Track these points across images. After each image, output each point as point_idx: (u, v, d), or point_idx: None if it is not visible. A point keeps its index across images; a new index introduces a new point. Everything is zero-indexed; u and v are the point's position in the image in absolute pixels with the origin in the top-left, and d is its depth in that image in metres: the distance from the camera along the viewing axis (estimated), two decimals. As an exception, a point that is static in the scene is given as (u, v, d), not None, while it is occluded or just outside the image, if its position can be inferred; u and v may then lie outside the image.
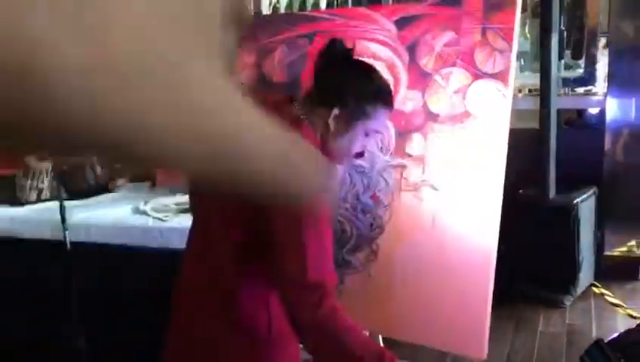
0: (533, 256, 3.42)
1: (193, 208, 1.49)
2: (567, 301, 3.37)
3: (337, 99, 1.31)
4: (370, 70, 1.42)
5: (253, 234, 1.24)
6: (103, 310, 2.84)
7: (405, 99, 2.01)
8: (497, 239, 1.85)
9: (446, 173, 1.92)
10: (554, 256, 3.39)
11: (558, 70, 3.50)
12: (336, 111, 1.30)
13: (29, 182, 3.12)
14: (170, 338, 1.46)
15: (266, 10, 4.37)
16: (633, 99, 3.59)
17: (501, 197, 1.85)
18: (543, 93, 3.32)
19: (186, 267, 1.45)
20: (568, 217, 3.32)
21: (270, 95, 1.69)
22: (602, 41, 3.87)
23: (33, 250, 2.96)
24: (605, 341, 1.21)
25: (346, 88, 1.33)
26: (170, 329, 1.46)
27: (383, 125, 1.59)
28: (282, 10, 4.45)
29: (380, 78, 1.41)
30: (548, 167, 3.35)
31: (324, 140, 1.32)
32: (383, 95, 1.38)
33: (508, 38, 1.86)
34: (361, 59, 1.56)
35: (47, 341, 2.96)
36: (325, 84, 1.35)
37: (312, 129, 1.30)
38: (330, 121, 1.30)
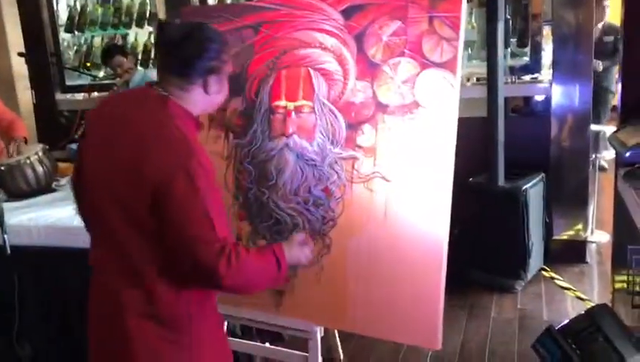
0: (484, 243, 3.47)
1: (91, 225, 1.68)
2: (519, 286, 3.43)
3: (194, 69, 1.51)
4: (204, 33, 1.55)
5: (159, 219, 1.43)
6: (48, 314, 2.72)
7: (355, 90, 1.98)
8: (448, 228, 1.86)
9: (397, 163, 1.91)
10: (504, 242, 3.45)
11: (504, 58, 3.55)
12: (203, 79, 1.52)
13: (-35, 184, 2.96)
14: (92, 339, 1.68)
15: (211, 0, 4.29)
16: (577, 86, 3.67)
17: (451, 187, 1.85)
18: (490, 81, 3.36)
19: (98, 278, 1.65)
20: (517, 203, 3.38)
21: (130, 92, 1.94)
22: (546, 29, 3.94)
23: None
24: (556, 327, 1.21)
25: (198, 57, 1.51)
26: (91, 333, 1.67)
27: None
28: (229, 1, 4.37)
29: (215, 33, 1.58)
30: (496, 155, 3.39)
31: (194, 106, 1.55)
32: (223, 46, 1.58)
33: (455, 27, 1.86)
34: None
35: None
36: (178, 61, 1.52)
37: (177, 103, 1.52)
38: (205, 88, 1.54)
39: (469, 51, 4.09)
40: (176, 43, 1.51)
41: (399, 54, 1.92)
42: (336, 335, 2.64)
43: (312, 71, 2.05)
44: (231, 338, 2.26)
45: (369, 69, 1.97)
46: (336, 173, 2.01)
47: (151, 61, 4.38)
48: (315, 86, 2.04)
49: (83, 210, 1.74)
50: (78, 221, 2.62)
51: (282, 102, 2.09)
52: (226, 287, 1.50)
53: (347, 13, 2.00)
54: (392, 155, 1.91)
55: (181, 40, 1.51)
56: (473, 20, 4.12)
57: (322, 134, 2.03)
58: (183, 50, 1.51)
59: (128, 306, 1.53)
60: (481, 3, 3.91)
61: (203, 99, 1.57)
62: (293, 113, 2.08)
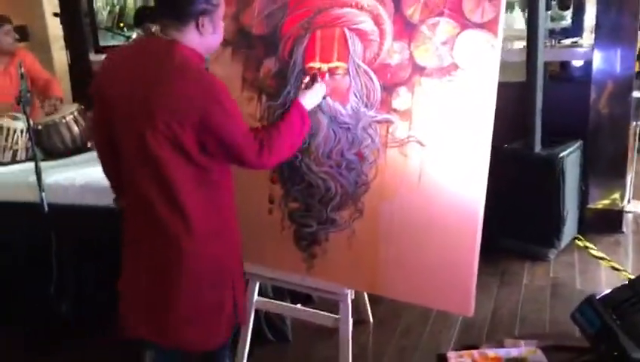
0: (518, 210, 3.41)
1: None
2: (552, 254, 3.38)
3: (185, 12, 1.67)
4: None
5: (204, 133, 1.64)
6: (84, 271, 2.79)
7: (391, 51, 1.93)
8: (484, 195, 1.82)
9: (433, 127, 1.87)
10: (538, 209, 3.39)
11: (544, 21, 3.42)
12: (196, 21, 1.67)
13: (3, 142, 3.01)
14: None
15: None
16: (618, 51, 3.53)
17: (489, 153, 1.81)
18: (530, 45, 3.25)
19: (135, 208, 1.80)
20: (553, 171, 3.30)
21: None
22: (590, -9, 3.78)
23: (9, 213, 2.88)
24: (596, 297, 1.19)
25: (188, 1, 1.66)
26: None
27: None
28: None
29: None
30: (534, 121, 3.31)
31: (202, 44, 1.72)
32: None
33: (497, -14, 1.78)
34: None
35: (29, 304, 2.91)
36: (171, 6, 1.69)
37: (184, 44, 1.68)
38: (199, 29, 1.68)
39: (509, 13, 3.95)
40: None
41: (438, 14, 1.86)
42: (366, 298, 2.65)
43: (347, 31, 2.00)
44: (262, 298, 2.29)
45: (406, 30, 1.91)
46: (370, 136, 1.98)
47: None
48: (350, 47, 2.00)
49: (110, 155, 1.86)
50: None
51: (316, 64, 2.05)
52: (272, 166, 1.95)
53: (385, -28, 1.94)
54: (428, 119, 1.87)
55: None
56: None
57: (356, 97, 2.00)
58: None
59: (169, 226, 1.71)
60: (523, -38, 3.77)
61: (199, 39, 1.71)
62: (327, 75, 2.04)
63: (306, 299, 2.64)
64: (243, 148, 1.71)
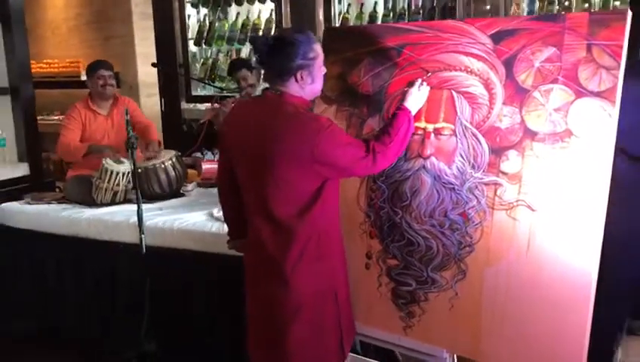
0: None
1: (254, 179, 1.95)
2: (647, 329, 3.21)
3: (284, 71, 1.89)
4: (286, 40, 1.90)
5: (318, 165, 1.83)
6: (175, 315, 2.85)
7: (500, 115, 1.95)
8: (597, 268, 1.77)
9: (544, 192, 1.85)
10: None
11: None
12: (295, 76, 1.89)
13: (105, 184, 3.18)
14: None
15: (335, 21, 4.37)
16: None
17: (604, 222, 1.77)
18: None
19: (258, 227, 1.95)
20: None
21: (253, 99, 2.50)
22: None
23: (107, 252, 3.01)
24: None
25: (284, 61, 1.88)
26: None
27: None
28: (351, 22, 4.43)
29: (295, 38, 1.90)
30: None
31: (304, 93, 1.94)
32: (306, 46, 1.90)
33: (616, 55, 1.78)
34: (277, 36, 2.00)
35: (118, 343, 2.99)
36: (271, 67, 1.93)
37: (290, 94, 1.91)
38: (299, 82, 1.90)
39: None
40: (266, 53, 1.89)
41: (552, 81, 1.87)
42: (455, 358, 2.57)
43: (455, 93, 2.04)
44: (354, 355, 2.27)
45: (518, 95, 1.92)
46: (476, 197, 1.98)
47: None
48: (457, 109, 2.03)
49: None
50: (210, 227, 2.77)
51: (422, 124, 2.09)
52: (385, 168, 2.05)
53: (497, 38, 1.97)
54: (539, 184, 1.86)
55: (269, 51, 1.88)
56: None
57: (462, 157, 2.01)
58: (272, 58, 1.89)
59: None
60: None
61: (300, 90, 1.92)
62: (432, 135, 2.07)
63: (390, 357, 2.59)
64: (357, 167, 1.93)
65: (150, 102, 5.38)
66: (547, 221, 1.83)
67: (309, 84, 1.93)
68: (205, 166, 3.54)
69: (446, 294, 2.01)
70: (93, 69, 3.58)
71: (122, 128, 3.20)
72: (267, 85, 2.00)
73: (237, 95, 4.08)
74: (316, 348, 1.97)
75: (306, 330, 1.93)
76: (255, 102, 2.13)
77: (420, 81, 2.06)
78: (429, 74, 2.07)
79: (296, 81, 1.90)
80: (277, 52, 1.89)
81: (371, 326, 2.19)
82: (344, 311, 2.01)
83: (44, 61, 6.17)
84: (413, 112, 2.02)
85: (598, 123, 1.79)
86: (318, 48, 1.93)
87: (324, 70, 1.98)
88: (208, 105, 4.57)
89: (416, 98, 2.04)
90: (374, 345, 2.41)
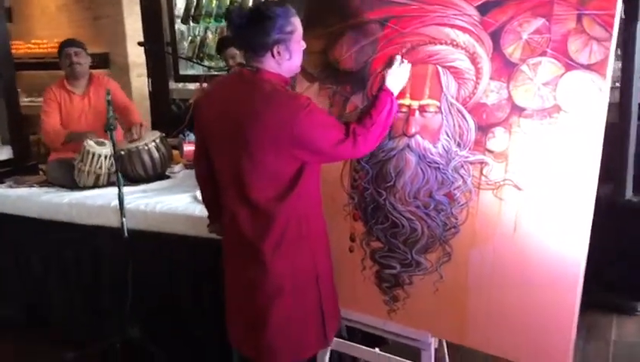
0: (605, 260, 3.21)
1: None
2: (642, 308, 3.16)
3: (259, 45, 1.79)
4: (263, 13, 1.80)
5: (297, 148, 1.75)
6: (160, 300, 2.80)
7: (487, 90, 1.86)
8: (586, 250, 1.70)
9: (532, 171, 1.77)
10: (628, 259, 3.18)
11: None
12: (271, 50, 1.79)
13: (87, 167, 3.10)
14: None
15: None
16: None
17: (593, 201, 1.70)
18: (624, 84, 3.09)
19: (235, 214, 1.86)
20: (645, 219, 3.10)
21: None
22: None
23: (90, 236, 2.94)
24: None
25: (260, 35, 1.78)
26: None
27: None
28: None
29: (272, 11, 1.79)
30: (626, 166, 3.13)
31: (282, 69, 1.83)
32: (284, 20, 1.80)
33: (607, 26, 1.68)
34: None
35: (101, 328, 2.95)
36: (246, 41, 1.82)
37: (267, 71, 1.81)
38: (275, 57, 1.80)
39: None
40: (242, 26, 1.79)
41: (540, 54, 1.78)
42: (445, 344, 2.52)
43: (440, 68, 1.95)
44: (340, 340, 2.21)
45: (505, 68, 1.83)
46: (462, 177, 1.90)
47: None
48: (443, 84, 1.94)
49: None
50: (193, 209, 2.69)
51: (406, 101, 2.00)
52: (366, 153, 1.95)
53: (484, 9, 1.87)
54: (526, 162, 1.78)
55: (244, 24, 1.78)
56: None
57: (448, 136, 1.93)
58: (247, 32, 1.79)
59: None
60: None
61: (277, 66, 1.82)
62: (417, 112, 1.99)
63: (379, 341, 2.53)
64: (337, 151, 1.82)
65: (141, 83, 5.27)
66: (535, 201, 1.76)
67: (287, 59, 1.83)
68: (187, 148, 3.45)
69: (431, 277, 1.95)
70: (60, 47, 3.47)
71: (101, 109, 3.11)
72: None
73: (226, 74, 3.98)
74: (297, 332, 1.91)
75: (286, 315, 1.87)
76: (231, 80, 2.02)
77: (399, 58, 1.96)
78: (404, 50, 1.98)
79: (273, 56, 1.81)
80: (252, 25, 1.79)
81: (356, 311, 2.12)
82: (326, 295, 1.95)
83: (32, 42, 6.05)
84: (396, 92, 1.92)
85: (588, 98, 1.71)
86: (296, 22, 1.83)
87: (303, 45, 1.88)
88: (198, 85, 4.48)
89: (397, 76, 1.95)
90: (361, 331, 2.35)
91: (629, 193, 3.20)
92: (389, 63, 1.97)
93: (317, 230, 1.92)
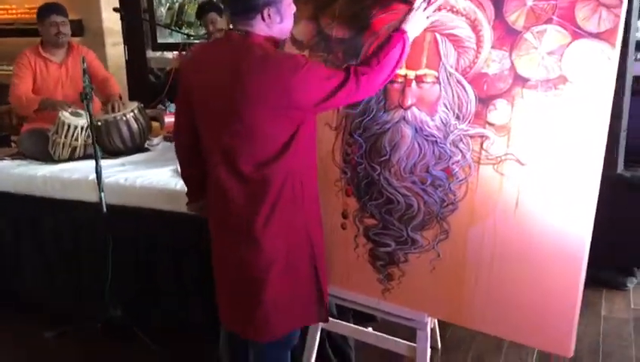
0: (596, 234, 3.18)
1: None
2: (630, 283, 3.15)
3: (249, 8, 1.69)
4: None
5: (294, 111, 1.67)
6: (139, 275, 2.70)
7: (489, 60, 1.76)
8: (591, 227, 1.64)
9: (535, 145, 1.69)
10: (617, 234, 3.15)
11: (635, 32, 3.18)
12: (261, 13, 1.69)
13: (62, 139, 2.95)
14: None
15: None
16: None
17: (599, 177, 1.63)
18: (620, 57, 3.01)
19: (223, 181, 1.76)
20: (636, 193, 3.06)
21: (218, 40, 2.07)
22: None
23: (67, 211, 2.82)
24: None
25: None
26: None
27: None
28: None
29: None
30: (618, 140, 3.07)
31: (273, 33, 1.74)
32: None
33: (618, -9, 1.60)
34: None
35: (82, 306, 2.84)
36: (235, 4, 1.72)
37: (257, 34, 1.71)
38: (265, 20, 1.70)
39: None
40: None
41: (546, 21, 1.68)
42: (435, 322, 2.47)
43: (439, 36, 1.84)
44: (333, 320, 2.14)
45: (508, 37, 1.74)
46: (461, 151, 1.81)
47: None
48: (441, 53, 1.84)
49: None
50: (174, 184, 2.58)
51: (402, 71, 1.90)
52: (370, 94, 1.86)
53: (485, -27, 1.77)
54: (529, 136, 1.69)
55: None
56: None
57: (446, 107, 1.83)
58: None
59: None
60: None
61: (268, 29, 1.72)
62: (413, 83, 1.89)
63: (369, 319, 2.48)
64: (337, 96, 1.70)
65: (116, 52, 5.04)
66: (537, 176, 1.68)
67: (278, 22, 1.73)
68: (168, 119, 3.31)
69: (427, 255, 1.87)
70: (44, 14, 3.24)
71: (78, 79, 2.95)
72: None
73: (206, 41, 3.82)
74: (294, 307, 1.83)
75: (280, 290, 1.78)
76: (218, 44, 1.90)
77: (420, 1, 1.80)
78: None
79: (263, 19, 1.70)
80: None
81: (348, 290, 2.05)
82: (321, 266, 1.86)
83: (1, 7, 5.77)
84: (412, 36, 1.78)
85: (596, 68, 1.62)
86: None
87: (293, 8, 1.76)
88: (176, 53, 4.32)
89: (418, 21, 1.80)
90: (353, 310, 2.28)
91: (620, 168, 3.16)
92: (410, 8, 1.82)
93: (311, 194, 1.82)
